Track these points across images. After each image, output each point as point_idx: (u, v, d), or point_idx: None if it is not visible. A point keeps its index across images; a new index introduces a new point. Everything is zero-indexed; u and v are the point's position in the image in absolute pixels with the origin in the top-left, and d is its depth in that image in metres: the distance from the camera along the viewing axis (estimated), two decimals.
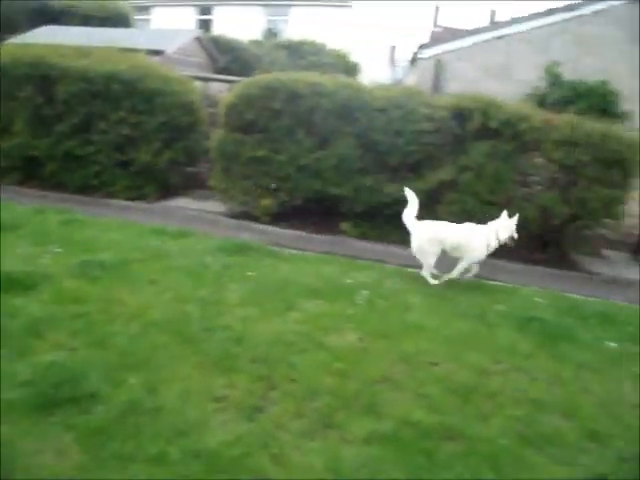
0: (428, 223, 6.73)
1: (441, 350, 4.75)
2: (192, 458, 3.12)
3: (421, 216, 6.79)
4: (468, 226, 6.77)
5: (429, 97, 9.18)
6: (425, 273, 6.66)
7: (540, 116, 8.61)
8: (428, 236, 6.59)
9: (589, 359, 5.10)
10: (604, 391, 4.58)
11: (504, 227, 6.64)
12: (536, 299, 6.56)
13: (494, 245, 6.67)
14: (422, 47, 14.93)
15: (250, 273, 6.16)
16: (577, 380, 4.68)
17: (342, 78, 9.50)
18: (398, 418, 3.66)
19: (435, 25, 25.37)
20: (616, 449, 3.77)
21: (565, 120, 8.60)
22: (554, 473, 3.40)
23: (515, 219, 6.69)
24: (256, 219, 9.18)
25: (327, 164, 8.80)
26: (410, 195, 6.80)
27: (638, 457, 3.71)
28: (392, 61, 28.41)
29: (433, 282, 6.58)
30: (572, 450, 3.67)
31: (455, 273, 6.73)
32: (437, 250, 6.61)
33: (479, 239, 6.61)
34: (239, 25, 24.77)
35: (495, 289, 6.84)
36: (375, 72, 21.71)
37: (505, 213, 6.72)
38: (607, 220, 8.88)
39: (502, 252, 8.04)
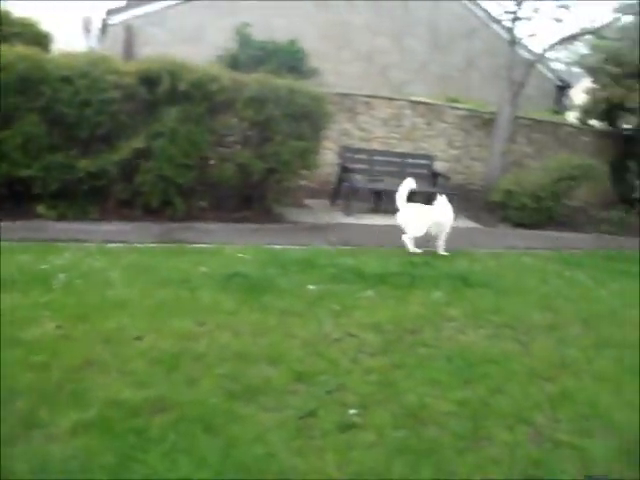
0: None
1: (144, 322, 4.62)
2: None
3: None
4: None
5: (116, 63, 8.77)
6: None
7: (229, 76, 8.70)
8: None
9: (292, 305, 5.36)
10: (307, 332, 4.85)
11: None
12: (239, 255, 6.72)
13: None
14: (111, 13, 14.28)
15: None
16: (281, 327, 4.88)
17: (20, 48, 8.68)
18: (104, 401, 3.47)
19: None
20: (322, 384, 4.01)
21: (254, 78, 8.81)
22: (264, 420, 3.49)
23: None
24: None
25: (12, 144, 8.00)
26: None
27: (341, 388, 3.99)
28: (87, 30, 26.92)
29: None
30: (281, 395, 3.81)
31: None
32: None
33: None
34: None
35: (199, 252, 6.86)
36: (70, 42, 20.43)
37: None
38: (304, 171, 9.35)
39: (207, 214, 8.17)
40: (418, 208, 8.37)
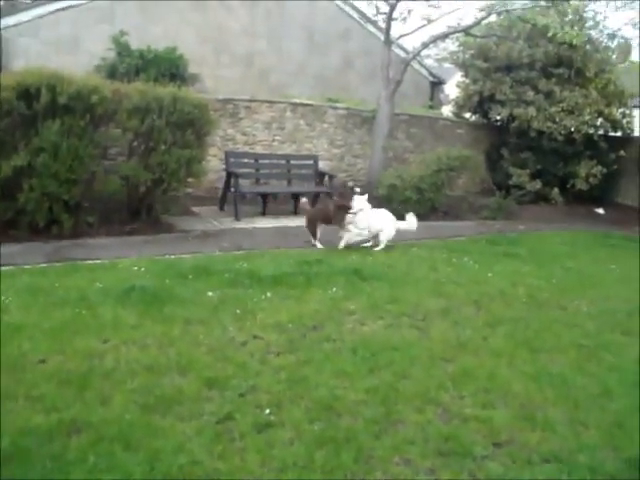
0: None
1: (47, 344, 4.50)
2: None
3: None
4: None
5: None
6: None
7: (109, 87, 8.50)
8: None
9: (194, 313, 5.38)
10: (213, 339, 4.89)
11: None
12: (135, 268, 6.62)
13: None
14: None
15: None
16: (186, 336, 4.89)
17: None
18: (16, 430, 3.36)
19: None
20: (234, 388, 4.07)
21: (135, 88, 8.68)
22: (183, 429, 3.51)
23: None
24: None
25: None
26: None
27: (253, 389, 4.06)
28: None
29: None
30: (195, 402, 3.85)
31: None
32: None
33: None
34: None
35: (92, 268, 6.69)
36: None
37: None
38: (190, 179, 9.30)
39: (96, 229, 8.00)
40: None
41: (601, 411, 4.26)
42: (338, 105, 14.03)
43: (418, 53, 14.55)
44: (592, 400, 4.42)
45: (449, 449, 3.56)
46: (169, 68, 11.75)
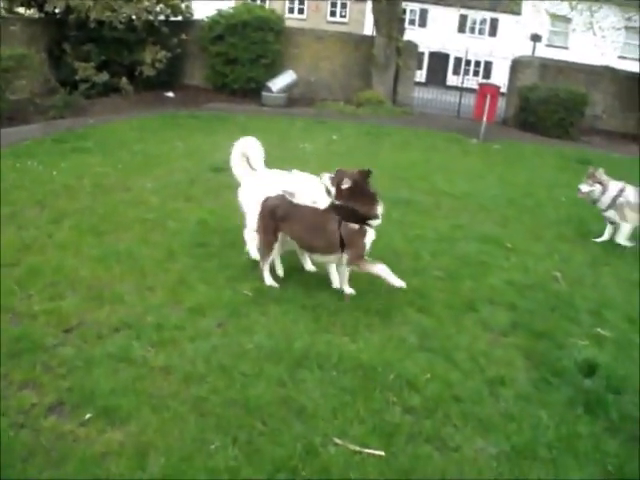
0: None
1: None
2: None
3: None
4: None
5: None
6: None
7: None
8: None
9: None
10: None
11: None
12: None
13: None
14: None
15: None
16: None
17: None
18: None
19: None
20: None
21: None
22: None
23: None
24: None
25: None
26: None
27: None
28: None
29: None
30: None
31: None
32: None
33: None
34: None
35: None
36: None
37: None
38: None
39: None
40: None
41: (165, 273, 4.65)
42: None
43: None
44: (157, 265, 4.79)
45: (20, 349, 3.56)
46: None
